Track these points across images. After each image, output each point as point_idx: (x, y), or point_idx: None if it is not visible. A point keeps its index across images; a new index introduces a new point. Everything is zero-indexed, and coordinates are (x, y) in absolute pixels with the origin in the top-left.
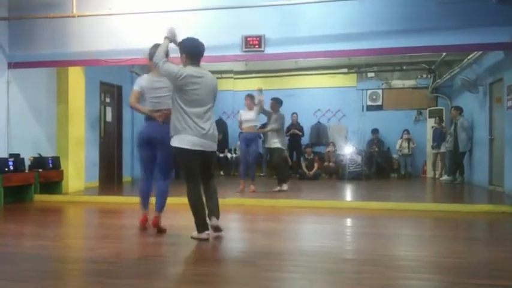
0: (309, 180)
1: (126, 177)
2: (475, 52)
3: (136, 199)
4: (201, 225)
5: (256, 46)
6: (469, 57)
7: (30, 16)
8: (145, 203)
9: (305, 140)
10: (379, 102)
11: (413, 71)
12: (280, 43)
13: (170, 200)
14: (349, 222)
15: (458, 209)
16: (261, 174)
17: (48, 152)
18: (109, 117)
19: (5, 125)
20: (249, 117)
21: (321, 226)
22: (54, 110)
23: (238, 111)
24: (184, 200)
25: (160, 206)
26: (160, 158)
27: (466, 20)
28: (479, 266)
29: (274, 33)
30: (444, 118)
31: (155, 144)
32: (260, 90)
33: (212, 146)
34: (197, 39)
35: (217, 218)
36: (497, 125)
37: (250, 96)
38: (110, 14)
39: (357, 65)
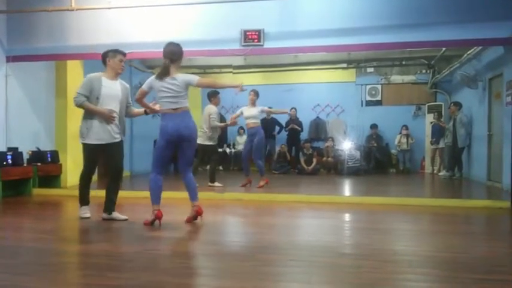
0: (308, 175)
1: (125, 172)
2: (475, 47)
3: (135, 193)
4: None
5: (256, 40)
6: (468, 53)
7: (28, 9)
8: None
9: (304, 135)
10: (378, 98)
11: (413, 66)
12: (280, 37)
13: (169, 194)
14: (347, 217)
15: (456, 204)
16: None
17: (46, 146)
18: None
19: (3, 118)
20: (251, 113)
21: (319, 221)
22: (52, 104)
23: (239, 108)
24: (182, 194)
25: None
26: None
27: (466, 15)
28: (477, 260)
29: (273, 27)
30: (443, 113)
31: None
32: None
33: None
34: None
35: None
36: (496, 121)
37: (254, 92)
38: (109, 8)
39: (356, 60)
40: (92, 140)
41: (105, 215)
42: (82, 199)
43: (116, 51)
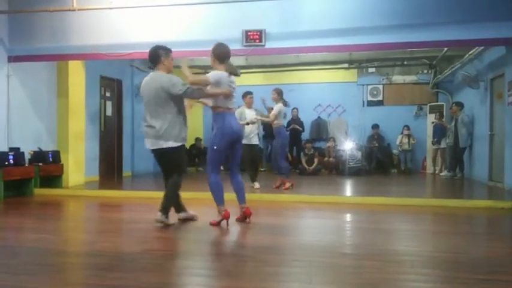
0: (309, 176)
1: (126, 172)
2: (476, 47)
3: (136, 193)
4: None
5: (257, 41)
6: (470, 53)
7: (30, 10)
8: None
9: (305, 135)
10: (380, 98)
11: (414, 66)
12: (281, 38)
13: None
14: (348, 217)
15: (457, 205)
16: (261, 170)
17: (48, 146)
18: (109, 112)
19: (5, 118)
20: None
21: (320, 221)
22: (54, 104)
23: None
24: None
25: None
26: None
27: (468, 15)
28: (478, 261)
29: (274, 27)
30: (445, 114)
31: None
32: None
33: (154, 144)
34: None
35: (160, 210)
36: (498, 121)
37: (276, 90)
38: (111, 8)
39: (357, 60)
40: (184, 141)
41: (182, 214)
42: (169, 207)
43: (167, 50)
